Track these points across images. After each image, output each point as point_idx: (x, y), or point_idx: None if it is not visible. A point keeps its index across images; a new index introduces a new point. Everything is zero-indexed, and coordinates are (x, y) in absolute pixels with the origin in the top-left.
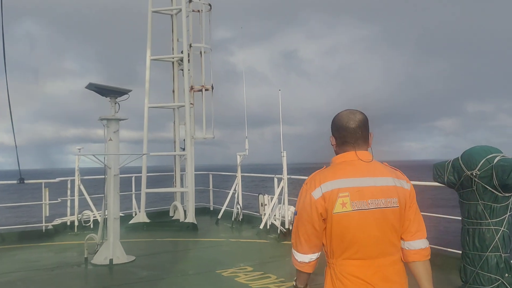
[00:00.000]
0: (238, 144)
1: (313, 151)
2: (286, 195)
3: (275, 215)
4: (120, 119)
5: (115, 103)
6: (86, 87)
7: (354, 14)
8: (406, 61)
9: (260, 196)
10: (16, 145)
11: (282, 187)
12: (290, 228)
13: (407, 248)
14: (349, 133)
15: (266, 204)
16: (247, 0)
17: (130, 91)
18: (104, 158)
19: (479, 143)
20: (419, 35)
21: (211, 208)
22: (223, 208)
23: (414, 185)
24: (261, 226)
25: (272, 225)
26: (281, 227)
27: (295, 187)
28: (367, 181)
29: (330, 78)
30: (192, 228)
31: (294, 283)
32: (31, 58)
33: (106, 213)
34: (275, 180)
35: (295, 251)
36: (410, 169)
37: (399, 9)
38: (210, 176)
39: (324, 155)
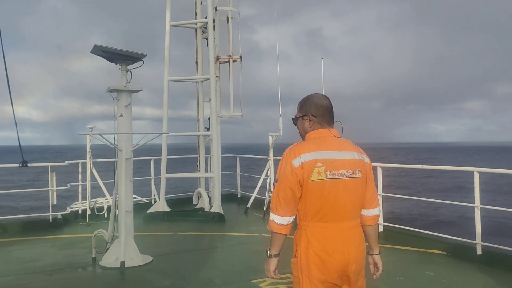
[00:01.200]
0: (261, 122)
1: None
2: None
3: None
4: (133, 91)
5: (127, 71)
6: (91, 52)
7: None
8: (434, 40)
9: None
10: (16, 124)
11: None
12: None
13: (366, 215)
14: (326, 110)
15: None
16: None
17: (144, 56)
18: (114, 138)
19: (508, 126)
20: (449, 12)
21: (239, 195)
22: (253, 195)
23: None
24: None
25: None
26: None
27: None
28: (338, 154)
29: (354, 57)
30: (218, 218)
31: (267, 252)
32: (56, 34)
33: (117, 205)
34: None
35: (275, 215)
36: (432, 151)
37: None
38: (238, 159)
39: (351, 135)
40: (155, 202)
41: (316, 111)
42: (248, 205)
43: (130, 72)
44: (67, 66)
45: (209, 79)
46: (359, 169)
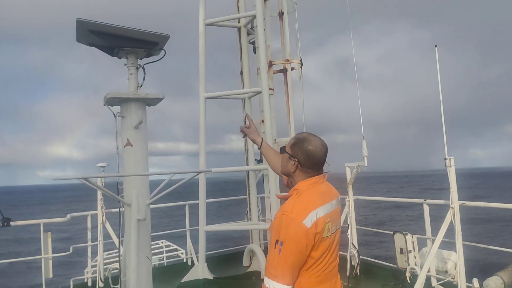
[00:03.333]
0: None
1: (372, 159)
2: (459, 234)
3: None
4: (148, 100)
5: (137, 68)
6: (77, 40)
7: (410, 19)
8: (471, 62)
9: (398, 235)
10: None
11: (451, 220)
12: None
13: None
14: (318, 164)
15: (411, 251)
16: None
17: (166, 38)
18: (117, 183)
19: None
20: (480, 36)
21: None
22: None
23: None
24: None
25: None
26: None
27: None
28: (332, 204)
29: (385, 84)
30: None
31: None
32: (94, 75)
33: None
34: (425, 208)
35: (276, 283)
36: (473, 177)
37: (457, 10)
38: None
39: (384, 164)
40: (191, 263)
41: (305, 161)
42: None
43: (143, 69)
44: (101, 105)
45: (260, 93)
46: (340, 218)
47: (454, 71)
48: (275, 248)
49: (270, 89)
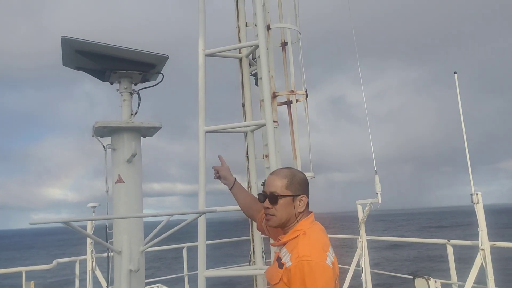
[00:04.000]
0: (329, 188)
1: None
2: (491, 279)
3: None
4: (143, 129)
5: (131, 93)
6: (64, 63)
7: (402, 57)
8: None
9: (419, 280)
10: None
11: (481, 263)
12: None
13: None
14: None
15: None
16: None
17: (164, 59)
18: (106, 227)
19: None
20: (472, 73)
21: None
22: None
23: None
24: None
25: None
26: None
27: None
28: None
29: (379, 121)
30: None
31: None
32: (89, 116)
33: None
34: (449, 249)
35: None
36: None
37: (448, 48)
38: None
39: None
40: None
41: (308, 193)
42: None
43: (138, 94)
44: (98, 147)
45: (263, 125)
46: None
47: (443, 108)
48: None
49: (274, 121)
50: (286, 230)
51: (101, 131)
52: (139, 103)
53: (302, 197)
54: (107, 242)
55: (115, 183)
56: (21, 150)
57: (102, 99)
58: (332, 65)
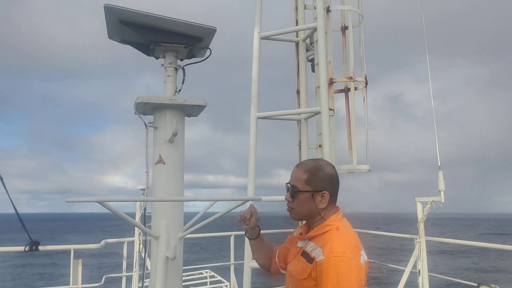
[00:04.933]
0: (344, 191)
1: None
2: None
3: None
4: (188, 107)
5: (176, 69)
6: (109, 36)
7: (467, 55)
8: None
9: None
10: (14, 205)
11: None
12: None
13: None
14: (338, 186)
15: None
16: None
17: (212, 31)
18: (144, 210)
19: None
20: None
21: None
22: None
23: None
24: None
25: None
26: None
27: None
28: None
29: (440, 122)
30: None
31: None
32: None
33: None
34: None
35: None
36: None
37: None
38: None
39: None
40: None
41: (333, 188)
42: None
43: (183, 70)
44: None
45: (318, 113)
46: None
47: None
48: None
49: (330, 109)
50: (312, 224)
51: (143, 108)
52: (183, 79)
53: (323, 193)
54: (145, 226)
55: (155, 164)
56: (86, 139)
57: (161, 91)
58: (390, 61)
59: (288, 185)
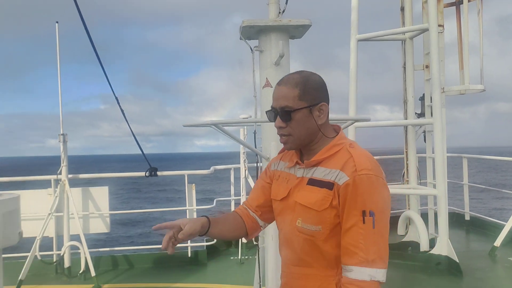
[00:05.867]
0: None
1: None
2: None
3: None
4: (293, 27)
5: None
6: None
7: None
8: None
9: None
10: (131, 130)
11: None
12: None
13: None
14: None
15: None
16: None
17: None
18: (254, 133)
19: None
20: None
21: (467, 217)
22: (509, 223)
23: None
24: None
25: None
26: None
27: None
28: None
29: None
30: (447, 267)
31: None
32: (237, 49)
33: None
34: None
35: (377, 270)
36: None
37: None
38: (464, 162)
39: None
40: None
41: (328, 98)
42: (497, 242)
43: None
44: (248, 78)
45: (425, 30)
46: None
47: None
48: (364, 222)
49: (439, 25)
50: (313, 149)
51: (248, 32)
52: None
53: (321, 105)
54: (255, 147)
55: (263, 87)
56: (183, 82)
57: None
58: None
59: (274, 109)
